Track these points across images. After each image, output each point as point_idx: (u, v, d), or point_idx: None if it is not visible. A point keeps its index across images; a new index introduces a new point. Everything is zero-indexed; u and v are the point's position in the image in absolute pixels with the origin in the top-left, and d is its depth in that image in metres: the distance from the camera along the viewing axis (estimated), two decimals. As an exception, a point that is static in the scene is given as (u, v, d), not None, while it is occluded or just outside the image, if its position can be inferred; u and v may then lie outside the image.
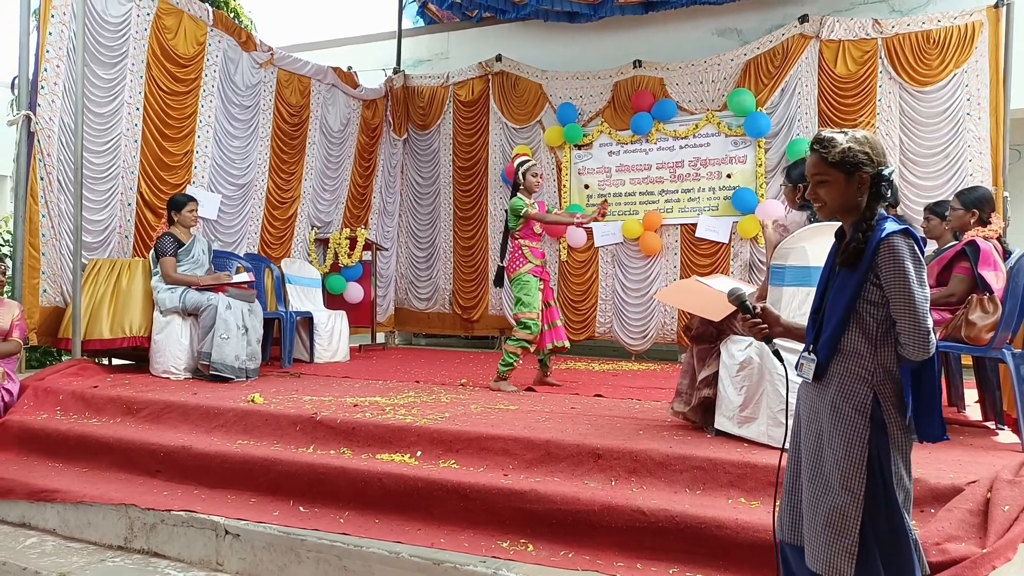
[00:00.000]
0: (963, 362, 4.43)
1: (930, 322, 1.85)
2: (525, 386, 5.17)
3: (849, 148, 1.92)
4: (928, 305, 1.87)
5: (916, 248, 1.88)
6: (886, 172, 1.94)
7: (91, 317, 5.30)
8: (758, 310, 2.13)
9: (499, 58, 8.43)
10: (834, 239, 2.09)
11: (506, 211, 5.45)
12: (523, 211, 5.19)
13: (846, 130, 1.99)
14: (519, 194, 5.29)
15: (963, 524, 2.56)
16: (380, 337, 8.49)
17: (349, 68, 8.35)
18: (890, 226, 1.89)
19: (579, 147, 8.07)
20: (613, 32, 8.39)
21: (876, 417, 1.89)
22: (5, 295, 5.01)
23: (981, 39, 6.55)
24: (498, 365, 5.15)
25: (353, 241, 7.89)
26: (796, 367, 2.07)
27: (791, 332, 2.16)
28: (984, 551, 2.39)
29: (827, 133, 1.98)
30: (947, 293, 3.88)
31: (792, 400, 2.26)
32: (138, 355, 5.60)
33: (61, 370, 5.01)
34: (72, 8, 5.33)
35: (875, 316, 1.90)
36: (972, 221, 4.01)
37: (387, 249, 8.70)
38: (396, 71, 9.04)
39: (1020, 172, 6.64)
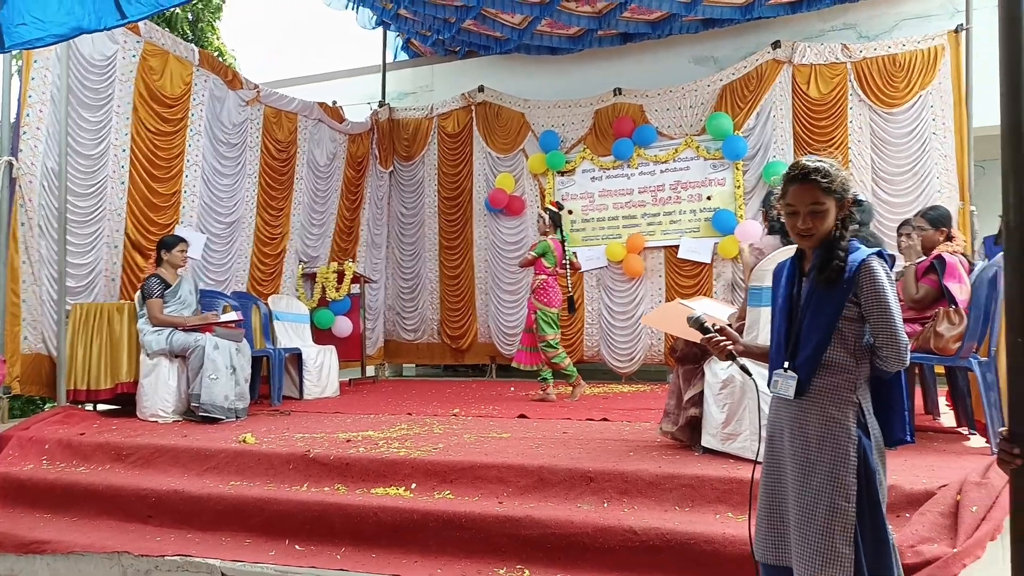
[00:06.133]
0: (937, 372, 4.55)
1: (906, 336, 1.98)
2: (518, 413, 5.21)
3: (845, 177, 2.04)
4: (902, 320, 1.99)
5: (888, 269, 2.02)
6: (861, 197, 2.06)
7: (89, 367, 5.28)
8: (716, 327, 2.21)
9: (482, 89, 8.57)
10: (792, 261, 2.17)
11: (564, 243, 6.38)
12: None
13: (822, 158, 2.07)
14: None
15: (935, 526, 2.66)
16: (370, 370, 8.48)
17: (334, 103, 8.45)
18: (865, 249, 2.02)
19: (562, 173, 8.19)
20: (593, 62, 8.56)
21: (862, 424, 1.99)
22: None
23: (943, 62, 6.81)
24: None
25: (341, 275, 7.91)
26: (770, 385, 2.13)
27: (749, 351, 2.23)
28: (955, 551, 2.49)
29: (815, 163, 2.04)
30: (918, 296, 4.02)
31: (765, 412, 2.31)
32: (124, 399, 5.51)
33: (46, 418, 4.89)
34: (56, 52, 5.31)
35: (853, 331, 2.01)
36: (941, 239, 4.14)
37: (375, 281, 8.72)
38: (381, 104, 9.16)
39: (984, 187, 6.86)
